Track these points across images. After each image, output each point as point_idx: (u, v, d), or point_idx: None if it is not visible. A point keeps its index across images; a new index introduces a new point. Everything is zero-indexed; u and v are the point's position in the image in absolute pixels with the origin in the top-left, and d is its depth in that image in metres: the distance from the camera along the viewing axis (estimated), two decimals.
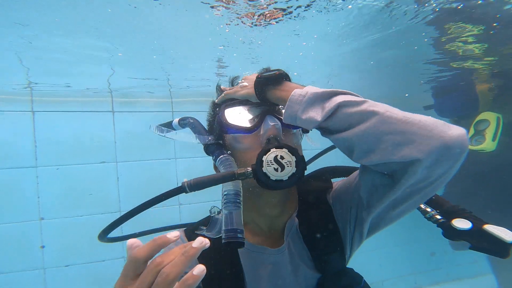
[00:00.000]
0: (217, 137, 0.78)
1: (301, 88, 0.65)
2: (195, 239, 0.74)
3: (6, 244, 1.92)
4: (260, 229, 0.80)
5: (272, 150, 0.62)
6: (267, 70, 0.73)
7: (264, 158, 0.62)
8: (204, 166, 2.36)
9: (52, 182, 2.04)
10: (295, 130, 0.75)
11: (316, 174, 0.87)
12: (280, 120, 0.71)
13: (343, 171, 0.87)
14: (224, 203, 0.66)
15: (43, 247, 1.99)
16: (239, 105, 0.76)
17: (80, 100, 2.14)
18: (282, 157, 0.62)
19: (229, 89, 0.79)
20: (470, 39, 1.80)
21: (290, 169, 0.61)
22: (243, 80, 0.77)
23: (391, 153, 0.56)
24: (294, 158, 0.62)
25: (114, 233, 0.82)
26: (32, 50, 1.52)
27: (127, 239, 0.83)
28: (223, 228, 0.64)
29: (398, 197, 0.65)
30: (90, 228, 2.09)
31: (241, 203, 0.67)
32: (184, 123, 0.87)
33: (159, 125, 0.93)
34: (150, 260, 0.43)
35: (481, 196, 2.31)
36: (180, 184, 0.65)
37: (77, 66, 1.81)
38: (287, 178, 0.61)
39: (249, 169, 0.63)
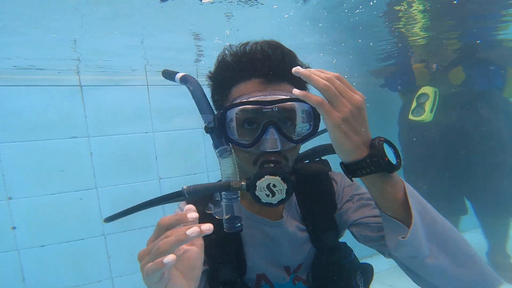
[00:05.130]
0: (217, 122, 0.73)
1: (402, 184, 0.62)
2: (201, 214, 0.79)
3: None
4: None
5: (266, 177, 0.63)
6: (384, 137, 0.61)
7: (257, 183, 0.64)
8: (184, 139, 2.36)
9: (16, 159, 1.92)
10: (296, 144, 0.72)
11: (310, 155, 0.88)
12: (282, 132, 0.67)
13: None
14: (224, 197, 0.72)
15: (14, 228, 1.91)
16: (241, 107, 0.68)
17: (44, 78, 1.99)
18: (274, 185, 0.64)
19: (334, 114, 0.56)
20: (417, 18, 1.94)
21: (280, 196, 0.65)
22: (353, 108, 0.56)
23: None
24: (285, 186, 0.64)
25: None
26: None
27: (129, 213, 0.85)
28: (224, 217, 0.72)
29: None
30: (65, 206, 2.03)
31: (239, 197, 0.72)
32: (184, 83, 0.80)
33: (165, 70, 0.88)
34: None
35: (436, 159, 2.64)
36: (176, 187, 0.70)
37: (40, 37, 1.64)
38: (276, 202, 0.65)
39: (244, 184, 0.67)
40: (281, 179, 0.63)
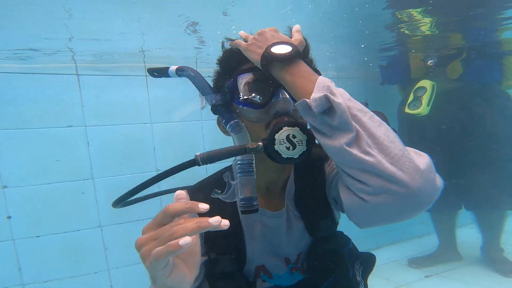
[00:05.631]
0: (224, 98, 0.75)
1: (314, 76, 0.61)
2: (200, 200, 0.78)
3: None
4: (259, 190, 0.82)
5: (284, 128, 0.62)
6: (281, 40, 0.66)
7: (276, 136, 0.62)
8: (182, 131, 2.33)
9: (12, 147, 1.88)
10: None
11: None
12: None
13: None
14: (239, 171, 0.69)
15: (9, 217, 1.89)
16: (251, 72, 0.71)
17: (41, 66, 1.95)
18: (294, 136, 0.62)
19: (243, 43, 0.72)
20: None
21: (301, 148, 0.62)
22: (257, 36, 0.69)
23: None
24: (305, 137, 0.63)
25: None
26: None
27: (134, 203, 0.84)
28: (240, 196, 0.68)
29: None
30: (61, 196, 2.00)
31: (254, 171, 0.69)
32: (182, 73, 0.81)
33: (150, 68, 0.87)
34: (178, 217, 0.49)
35: (433, 154, 2.62)
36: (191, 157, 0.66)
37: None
38: (297, 156, 0.63)
39: (260, 144, 0.64)
40: (300, 129, 0.62)
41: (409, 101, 2.49)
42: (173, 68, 0.81)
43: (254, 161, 0.69)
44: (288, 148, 0.62)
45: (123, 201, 0.80)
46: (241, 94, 0.70)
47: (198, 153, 0.65)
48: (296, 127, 0.62)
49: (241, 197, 0.67)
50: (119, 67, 2.17)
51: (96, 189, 2.09)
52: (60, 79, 1.99)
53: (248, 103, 0.70)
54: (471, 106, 2.51)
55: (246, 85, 0.71)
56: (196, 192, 0.82)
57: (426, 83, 2.46)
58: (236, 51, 0.74)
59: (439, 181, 0.58)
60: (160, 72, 0.85)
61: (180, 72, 0.80)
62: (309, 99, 0.57)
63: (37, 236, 1.96)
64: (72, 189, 2.03)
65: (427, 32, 2.28)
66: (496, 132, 2.48)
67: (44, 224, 1.97)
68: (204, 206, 0.48)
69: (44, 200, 1.97)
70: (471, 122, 2.51)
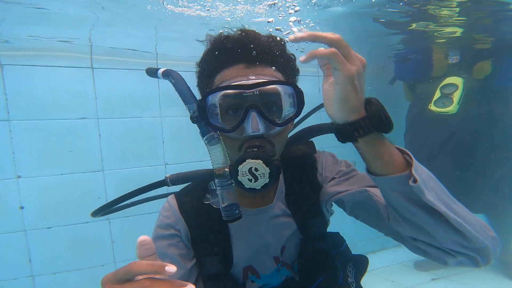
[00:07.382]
0: (199, 109, 0.73)
1: (393, 147, 0.58)
2: (189, 206, 0.80)
3: None
4: (244, 193, 0.79)
5: (247, 161, 0.62)
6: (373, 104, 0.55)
7: (239, 168, 0.63)
8: (192, 125, 2.33)
9: (27, 137, 1.92)
10: (282, 128, 0.71)
11: (297, 138, 0.82)
12: (264, 116, 0.67)
13: (326, 129, 0.78)
14: (218, 186, 0.70)
15: (22, 207, 1.91)
16: (223, 91, 0.68)
17: (55, 55, 1.98)
18: (256, 169, 0.62)
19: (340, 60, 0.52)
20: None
21: (263, 181, 0.63)
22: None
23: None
24: (268, 170, 0.62)
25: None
26: None
27: (121, 209, 0.84)
28: (221, 205, 0.70)
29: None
30: (72, 187, 2.03)
31: (233, 183, 0.70)
32: (166, 77, 0.82)
33: (149, 67, 0.89)
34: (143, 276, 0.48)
35: (446, 158, 2.52)
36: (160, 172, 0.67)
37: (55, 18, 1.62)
38: (259, 187, 0.64)
39: (227, 170, 0.67)
40: (263, 162, 0.62)
41: (435, 98, 2.33)
42: (161, 70, 0.82)
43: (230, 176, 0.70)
44: (250, 180, 0.63)
45: (103, 211, 0.84)
46: (211, 119, 0.69)
47: (167, 175, 0.71)
48: (259, 160, 0.62)
49: (223, 205, 0.70)
50: (132, 61, 2.18)
51: (105, 181, 2.11)
52: (75, 72, 2.02)
53: (220, 128, 0.69)
54: (489, 107, 2.40)
55: (219, 110, 0.69)
56: (184, 196, 0.84)
57: (456, 80, 2.30)
58: (214, 51, 0.71)
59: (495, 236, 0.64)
60: (152, 73, 0.86)
61: (165, 76, 0.81)
62: (395, 173, 0.56)
63: (47, 228, 1.98)
64: (83, 181, 2.05)
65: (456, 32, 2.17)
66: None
67: (55, 215, 1.99)
68: (171, 270, 0.46)
69: (56, 191, 1.99)
70: (490, 122, 2.39)
